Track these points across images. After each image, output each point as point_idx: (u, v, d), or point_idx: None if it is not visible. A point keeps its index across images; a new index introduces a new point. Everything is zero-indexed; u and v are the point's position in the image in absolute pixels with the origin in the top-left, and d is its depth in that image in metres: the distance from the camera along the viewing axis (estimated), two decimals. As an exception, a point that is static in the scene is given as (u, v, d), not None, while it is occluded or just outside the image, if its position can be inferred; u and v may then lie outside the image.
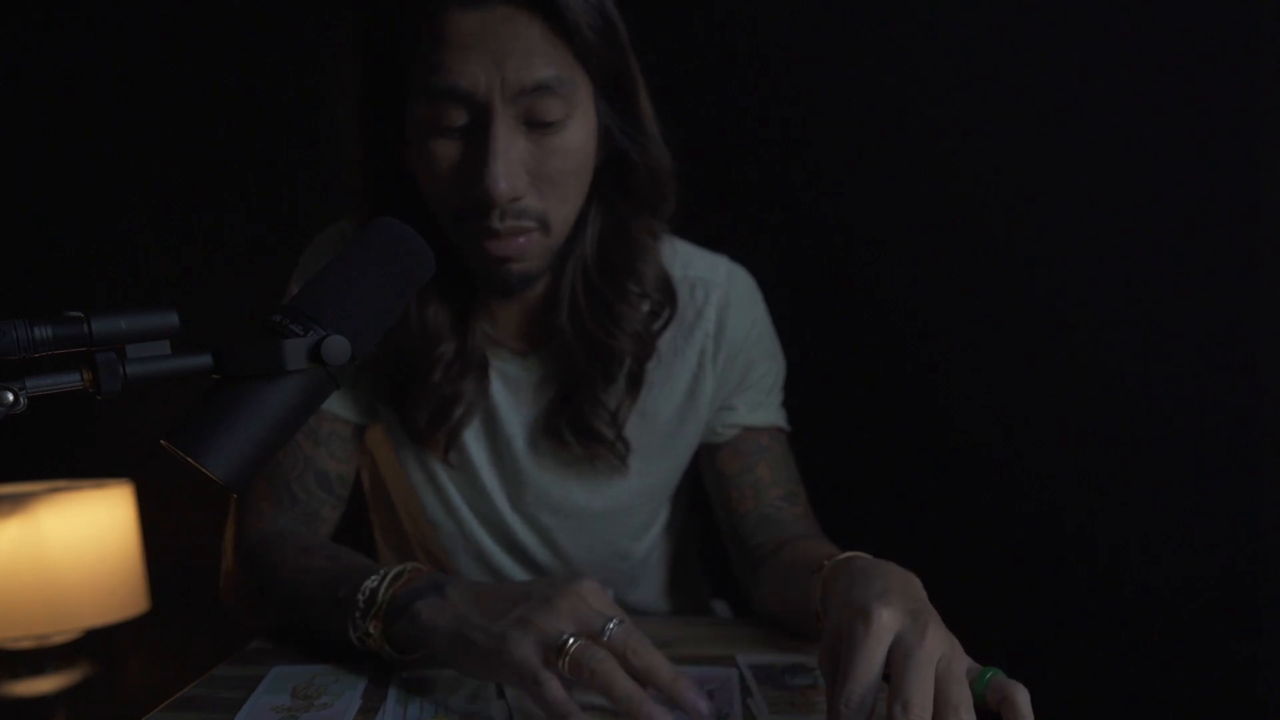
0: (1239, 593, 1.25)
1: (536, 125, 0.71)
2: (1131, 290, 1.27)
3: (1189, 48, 1.23)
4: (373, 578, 0.68)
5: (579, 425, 0.85)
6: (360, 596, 0.67)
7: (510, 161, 0.70)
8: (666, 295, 0.86)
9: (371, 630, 0.67)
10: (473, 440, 0.88)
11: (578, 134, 0.74)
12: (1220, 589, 1.25)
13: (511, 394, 0.87)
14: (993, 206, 1.30)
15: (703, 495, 0.98)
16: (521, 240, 0.74)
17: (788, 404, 0.96)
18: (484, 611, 0.61)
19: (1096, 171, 1.27)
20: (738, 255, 0.94)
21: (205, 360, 0.48)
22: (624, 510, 0.91)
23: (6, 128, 1.58)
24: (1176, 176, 1.24)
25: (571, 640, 0.57)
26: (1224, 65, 1.22)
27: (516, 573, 0.92)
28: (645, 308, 0.84)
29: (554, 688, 0.57)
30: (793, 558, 0.79)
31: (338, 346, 0.49)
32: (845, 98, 1.34)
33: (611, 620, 0.58)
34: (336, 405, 0.86)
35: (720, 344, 0.89)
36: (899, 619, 0.54)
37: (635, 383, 0.85)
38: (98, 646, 1.47)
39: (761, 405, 0.92)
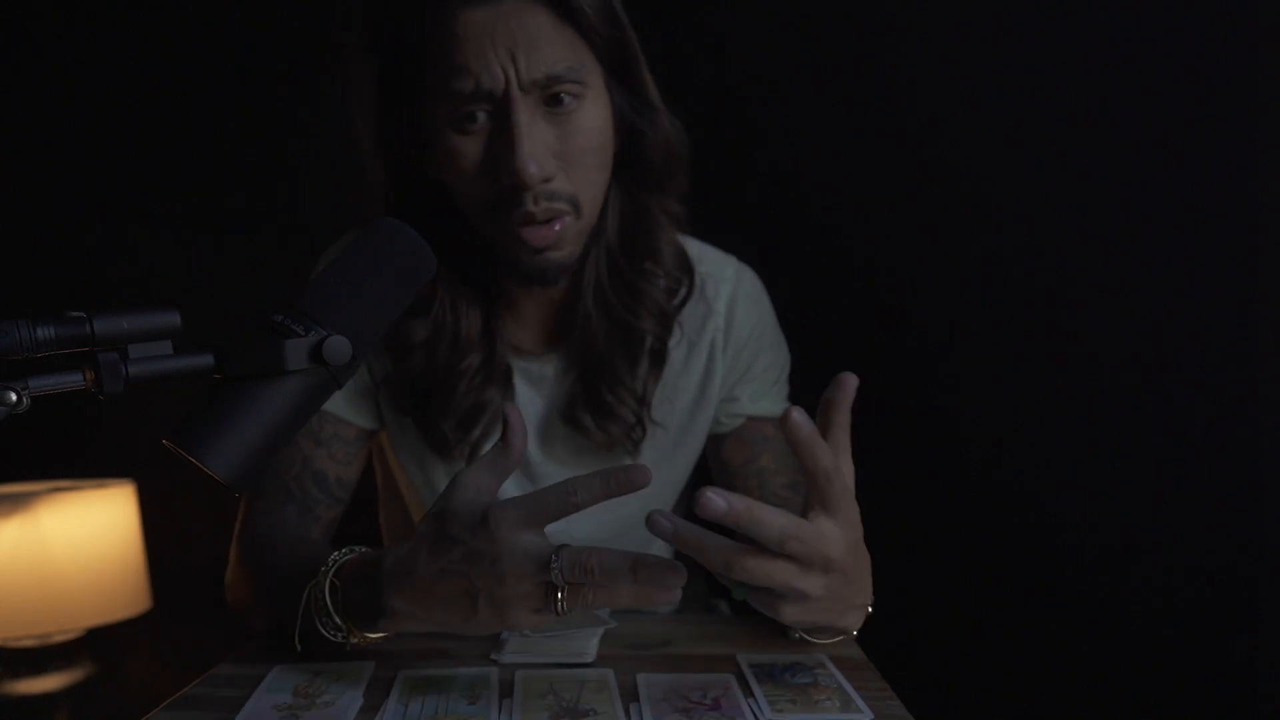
0: (1239, 593, 1.25)
1: (555, 110, 0.73)
2: (1131, 290, 1.27)
3: (1189, 48, 1.23)
4: (323, 566, 0.67)
5: (599, 408, 0.85)
6: (317, 586, 0.67)
7: (535, 144, 0.72)
8: (684, 271, 0.87)
9: (332, 612, 0.66)
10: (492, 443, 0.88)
11: (595, 114, 0.76)
12: (1220, 589, 1.25)
13: (530, 387, 0.88)
14: (993, 207, 1.30)
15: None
16: (558, 227, 0.75)
17: (790, 400, 0.96)
18: (440, 603, 0.61)
19: (1096, 171, 1.27)
20: (739, 251, 0.95)
21: (207, 360, 0.48)
22: (638, 502, 0.91)
23: (7, 128, 1.58)
24: (1176, 176, 1.24)
25: (556, 598, 0.58)
26: (1224, 65, 1.22)
27: None
28: (663, 284, 0.86)
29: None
30: None
31: (339, 346, 0.49)
32: (848, 93, 1.34)
33: (552, 554, 0.58)
34: (340, 408, 0.87)
35: (729, 337, 0.91)
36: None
37: (658, 360, 0.86)
38: (99, 646, 1.47)
39: (765, 395, 0.93)
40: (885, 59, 1.32)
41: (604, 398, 0.85)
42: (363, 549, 0.69)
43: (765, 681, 0.67)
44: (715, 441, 0.94)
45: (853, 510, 0.60)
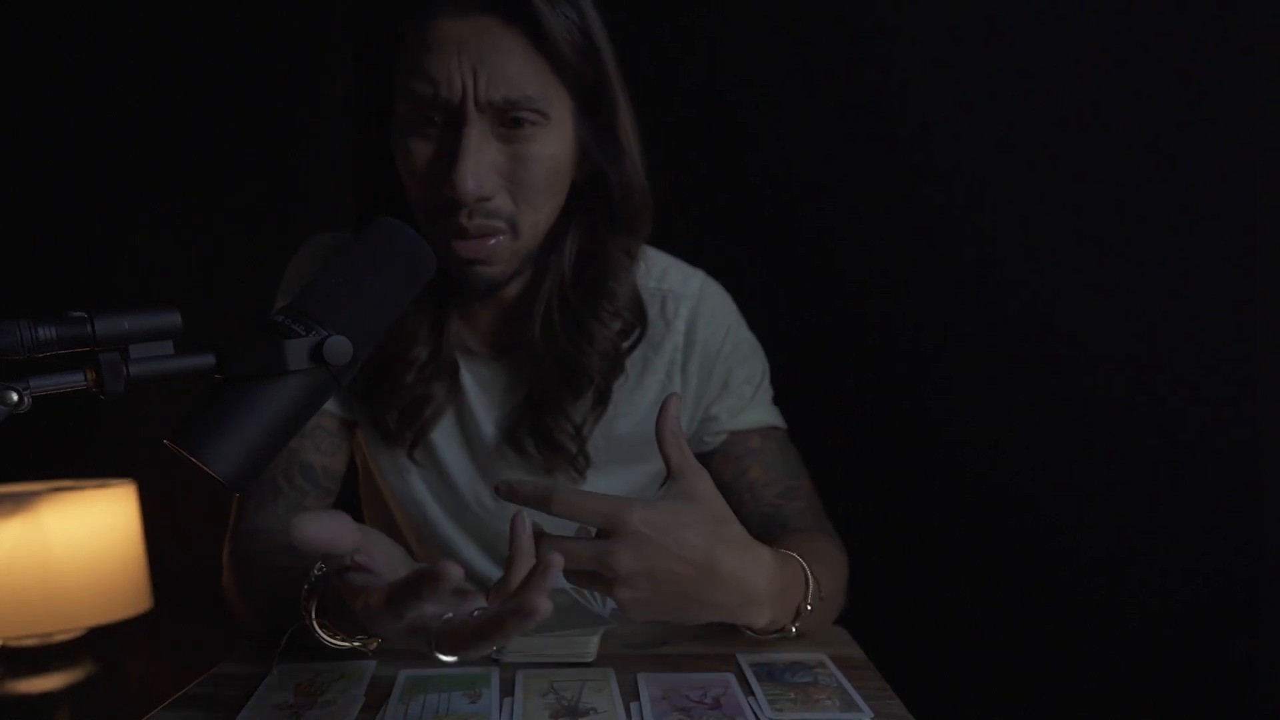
0: (1238, 593, 1.25)
1: (510, 132, 0.74)
2: (1129, 291, 1.27)
3: (1185, 49, 1.23)
4: (305, 607, 0.66)
5: (542, 436, 0.86)
6: (305, 586, 0.66)
7: (480, 162, 0.73)
8: (637, 315, 0.88)
9: (313, 620, 0.65)
10: (446, 438, 0.89)
11: (551, 144, 0.76)
12: (1219, 590, 1.25)
13: (484, 393, 0.89)
14: (988, 208, 1.30)
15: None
16: (491, 243, 0.76)
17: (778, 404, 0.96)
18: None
19: (1092, 172, 1.27)
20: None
21: (208, 360, 0.48)
22: None
23: (8, 128, 1.58)
24: (1173, 178, 1.24)
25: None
26: (1220, 66, 1.22)
27: (491, 570, 0.94)
28: (616, 326, 0.86)
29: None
30: None
31: (339, 346, 0.49)
32: (839, 96, 1.34)
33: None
34: None
35: (690, 354, 0.91)
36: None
37: (602, 399, 0.87)
38: (100, 645, 1.47)
39: (745, 408, 0.93)
40: (877, 62, 1.32)
41: (547, 426, 0.86)
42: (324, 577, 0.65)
43: (765, 681, 0.67)
44: (702, 460, 0.93)
45: (645, 525, 0.61)
